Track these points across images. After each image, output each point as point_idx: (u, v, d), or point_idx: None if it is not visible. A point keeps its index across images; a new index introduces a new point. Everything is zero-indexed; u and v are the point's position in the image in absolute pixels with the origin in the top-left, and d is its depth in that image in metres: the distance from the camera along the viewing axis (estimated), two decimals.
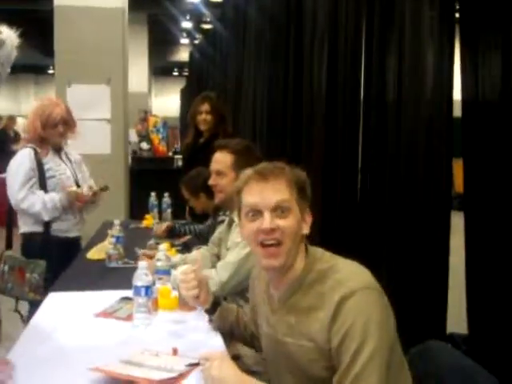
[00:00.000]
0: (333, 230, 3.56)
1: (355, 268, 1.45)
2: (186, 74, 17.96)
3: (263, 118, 5.03)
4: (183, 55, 18.38)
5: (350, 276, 1.39)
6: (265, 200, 1.43)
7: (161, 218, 3.90)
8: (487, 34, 2.42)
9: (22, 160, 3.05)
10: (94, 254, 2.85)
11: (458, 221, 2.77)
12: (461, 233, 2.60)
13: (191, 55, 13.77)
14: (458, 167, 2.74)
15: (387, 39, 3.16)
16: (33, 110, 3.19)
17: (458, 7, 2.71)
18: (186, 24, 13.84)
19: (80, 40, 5.44)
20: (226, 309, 1.84)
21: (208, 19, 11.32)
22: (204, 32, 11.79)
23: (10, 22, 1.60)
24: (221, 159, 2.42)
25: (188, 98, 13.23)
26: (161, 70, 22.22)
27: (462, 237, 2.58)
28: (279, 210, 1.43)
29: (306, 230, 1.47)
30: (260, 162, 2.26)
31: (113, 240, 2.70)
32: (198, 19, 12.76)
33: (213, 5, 9.97)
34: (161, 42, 17.06)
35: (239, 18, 6.37)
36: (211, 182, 2.47)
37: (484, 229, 2.45)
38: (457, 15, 2.69)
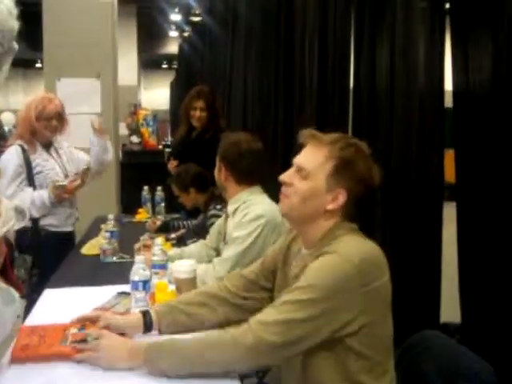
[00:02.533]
0: None
1: (356, 243, 1.50)
2: (176, 66, 17.87)
3: (254, 112, 5.02)
4: (172, 48, 18.28)
5: (344, 245, 1.45)
6: (296, 158, 1.57)
7: (154, 212, 3.90)
8: (477, 24, 2.43)
9: (10, 157, 3.04)
10: (88, 249, 2.85)
11: (449, 211, 2.79)
12: (452, 223, 2.62)
13: (180, 48, 13.70)
14: (448, 157, 2.75)
15: (378, 31, 3.16)
16: (27, 103, 3.19)
17: None
18: (175, 17, 13.77)
19: (69, 34, 5.40)
20: (169, 312, 1.73)
21: (197, 11, 11.26)
22: (193, 24, 11.73)
23: None
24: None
25: (178, 90, 13.18)
26: (150, 63, 22.09)
27: (454, 227, 2.60)
28: (300, 171, 1.53)
29: (329, 205, 1.51)
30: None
31: (107, 235, 2.69)
32: (186, 12, 12.69)
33: None
34: (150, 35, 16.96)
35: (228, 10, 6.34)
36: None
37: (476, 218, 2.47)
38: (447, 6, 2.70)
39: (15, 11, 1.39)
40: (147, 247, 2.50)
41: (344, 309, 1.37)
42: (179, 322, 1.70)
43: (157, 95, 22.18)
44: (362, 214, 3.24)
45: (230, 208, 2.39)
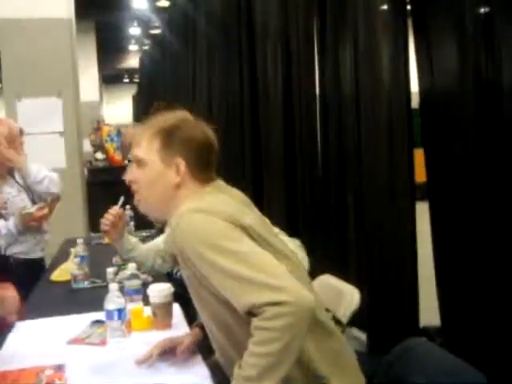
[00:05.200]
0: (297, 226, 3.56)
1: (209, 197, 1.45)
2: (137, 80, 17.75)
3: (220, 125, 4.98)
4: (133, 62, 18.17)
5: (191, 202, 1.42)
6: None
7: None
8: (440, 25, 2.44)
9: None
10: (58, 275, 2.75)
11: (421, 211, 2.78)
12: (426, 223, 2.61)
13: (141, 61, 13.61)
14: (418, 157, 2.75)
15: (340, 35, 3.16)
16: None
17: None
18: (134, 30, 13.68)
19: (27, 53, 5.27)
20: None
21: (156, 24, 11.20)
22: (153, 37, 11.66)
23: None
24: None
25: (141, 103, 13.05)
26: (111, 77, 21.93)
27: (428, 226, 2.59)
28: (139, 163, 1.53)
29: (175, 179, 1.48)
30: None
31: (77, 260, 2.61)
32: (145, 25, 12.62)
33: (160, 10, 9.85)
34: (109, 50, 16.82)
35: (188, 22, 6.31)
36: None
37: (449, 216, 2.47)
38: (409, 7, 2.70)
39: None
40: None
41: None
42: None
43: (120, 109, 22.00)
44: (334, 217, 3.25)
45: None
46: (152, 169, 1.50)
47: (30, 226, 2.98)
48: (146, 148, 1.51)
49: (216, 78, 5.11)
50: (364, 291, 2.03)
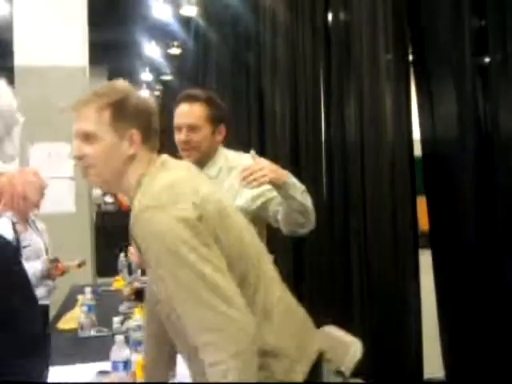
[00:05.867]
0: (302, 273, 3.56)
1: (169, 179, 1.44)
2: None
3: None
4: None
5: (152, 193, 1.39)
6: (74, 129, 1.48)
7: (131, 275, 3.80)
8: (440, 74, 2.49)
9: (2, 229, 2.99)
10: (65, 323, 2.77)
11: (426, 259, 2.77)
12: (430, 271, 2.59)
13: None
14: (421, 204, 2.76)
15: (346, 83, 3.22)
16: (9, 177, 3.16)
17: (411, 50, 2.79)
18: (146, 76, 13.94)
19: (41, 99, 5.39)
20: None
21: (167, 71, 11.43)
22: (164, 83, 11.88)
23: None
24: (192, 111, 2.17)
25: None
26: None
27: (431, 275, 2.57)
28: (86, 138, 1.46)
29: (129, 151, 1.46)
30: (228, 113, 2.24)
31: (84, 309, 2.62)
32: (157, 71, 12.87)
33: (171, 57, 10.07)
34: None
35: (198, 69, 6.45)
36: (183, 137, 2.15)
37: (453, 266, 2.45)
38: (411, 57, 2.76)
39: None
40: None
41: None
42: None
43: None
44: (339, 265, 3.24)
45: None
46: (104, 142, 1.46)
47: (52, 274, 3.05)
48: (96, 121, 1.46)
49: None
50: (367, 340, 2.02)
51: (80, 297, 2.85)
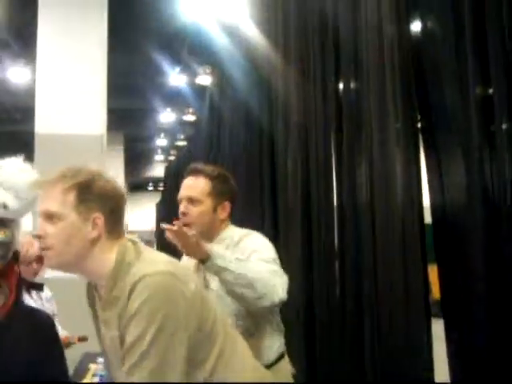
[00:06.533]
0: (314, 337, 3.50)
1: (156, 257, 1.50)
2: (161, 188, 18.22)
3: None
4: (158, 171, 18.74)
5: (148, 264, 1.44)
6: (39, 209, 1.51)
7: None
8: (448, 143, 2.52)
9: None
10: None
11: (439, 328, 2.72)
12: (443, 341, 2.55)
13: (167, 170, 14.02)
14: (433, 273, 2.74)
15: (356, 152, 3.26)
16: None
17: (419, 118, 2.84)
18: (161, 141, 14.22)
19: (60, 164, 5.50)
20: None
21: (182, 136, 11.65)
22: (178, 149, 12.08)
23: None
24: (195, 185, 2.22)
25: (164, 211, 13.26)
26: (136, 185, 22.56)
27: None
28: (49, 218, 1.47)
29: (91, 234, 1.47)
30: (235, 191, 2.26)
31: (97, 379, 2.56)
32: (172, 137, 13.12)
33: (186, 124, 10.30)
34: (136, 159, 17.43)
35: (212, 137, 6.57)
36: (181, 209, 2.18)
37: (466, 335, 2.41)
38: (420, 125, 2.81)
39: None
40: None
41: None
42: None
43: (142, 216, 22.40)
44: (351, 330, 3.19)
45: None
46: (67, 223, 1.46)
47: None
48: (60, 202, 1.47)
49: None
50: None
51: (92, 366, 2.77)
